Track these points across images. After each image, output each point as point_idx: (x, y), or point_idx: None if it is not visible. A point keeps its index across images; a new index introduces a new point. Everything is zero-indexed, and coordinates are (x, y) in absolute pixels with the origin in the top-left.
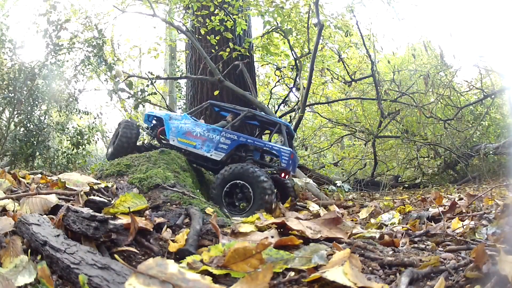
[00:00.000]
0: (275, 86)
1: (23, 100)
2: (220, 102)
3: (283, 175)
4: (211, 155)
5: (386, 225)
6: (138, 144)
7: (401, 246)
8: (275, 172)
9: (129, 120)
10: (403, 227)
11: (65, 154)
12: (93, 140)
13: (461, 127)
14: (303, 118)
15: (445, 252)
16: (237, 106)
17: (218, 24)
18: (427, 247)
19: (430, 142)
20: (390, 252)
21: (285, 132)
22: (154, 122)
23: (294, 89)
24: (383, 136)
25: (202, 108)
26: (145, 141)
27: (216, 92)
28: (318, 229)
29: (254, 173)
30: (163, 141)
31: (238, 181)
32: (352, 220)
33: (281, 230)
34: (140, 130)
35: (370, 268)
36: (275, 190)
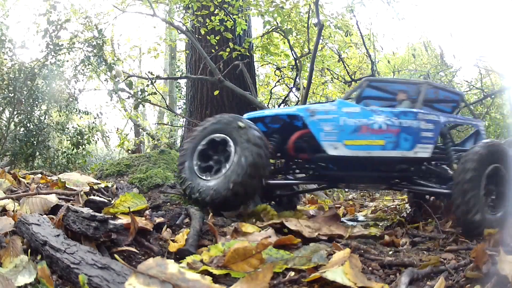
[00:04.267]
0: (275, 86)
1: (23, 100)
2: (382, 77)
3: None
4: (415, 153)
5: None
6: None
7: (401, 246)
8: None
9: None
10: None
11: (65, 154)
12: (93, 140)
13: (461, 127)
14: None
15: (445, 252)
16: (407, 79)
17: (218, 24)
18: (427, 247)
19: None
20: (390, 252)
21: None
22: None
23: (294, 89)
24: None
25: (361, 89)
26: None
27: (216, 92)
28: (317, 227)
29: None
30: (302, 156)
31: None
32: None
33: (280, 229)
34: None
35: (370, 268)
36: None
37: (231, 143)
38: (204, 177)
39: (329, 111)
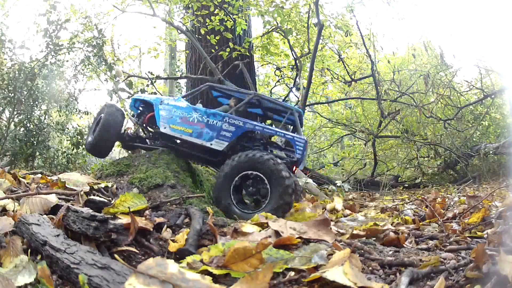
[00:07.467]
0: (275, 86)
1: (23, 100)
2: (221, 85)
3: (294, 169)
4: (211, 145)
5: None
6: (122, 133)
7: (407, 244)
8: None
9: (113, 104)
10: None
11: (65, 154)
12: None
13: (461, 127)
14: (303, 118)
15: (445, 252)
16: (241, 89)
17: (218, 24)
18: (428, 246)
19: (430, 142)
20: (390, 252)
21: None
22: (141, 108)
23: (294, 89)
24: (383, 136)
25: (200, 92)
26: (130, 130)
27: None
28: (304, 230)
29: (274, 165)
30: (151, 130)
31: (251, 172)
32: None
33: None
34: (125, 117)
35: (370, 268)
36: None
37: (102, 116)
38: (90, 137)
39: (169, 103)
